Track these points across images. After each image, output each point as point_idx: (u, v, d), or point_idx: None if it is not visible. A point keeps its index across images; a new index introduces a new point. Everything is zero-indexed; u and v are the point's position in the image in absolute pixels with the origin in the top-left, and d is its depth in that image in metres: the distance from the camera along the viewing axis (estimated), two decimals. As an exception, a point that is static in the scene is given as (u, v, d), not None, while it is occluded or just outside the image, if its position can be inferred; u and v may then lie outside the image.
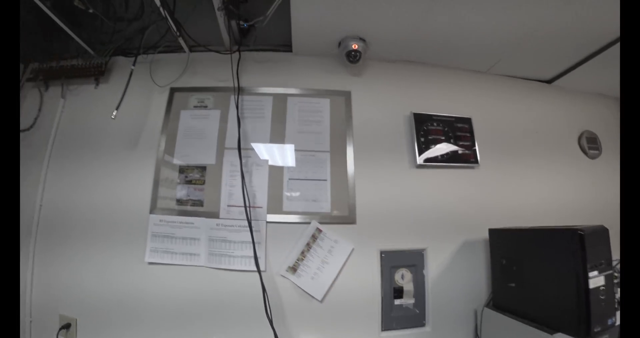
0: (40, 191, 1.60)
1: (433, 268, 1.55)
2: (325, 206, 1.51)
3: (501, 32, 1.49)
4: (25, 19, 1.56)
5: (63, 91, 1.76)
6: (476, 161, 1.69)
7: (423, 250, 1.56)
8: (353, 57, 1.57)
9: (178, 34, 1.53)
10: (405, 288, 1.51)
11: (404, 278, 1.52)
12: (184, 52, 1.70)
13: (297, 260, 1.46)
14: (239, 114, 1.56)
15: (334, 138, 1.59)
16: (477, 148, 1.70)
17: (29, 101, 1.82)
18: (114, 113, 1.51)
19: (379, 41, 1.58)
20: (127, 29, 1.62)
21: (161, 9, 1.37)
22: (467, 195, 1.65)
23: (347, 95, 1.66)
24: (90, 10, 1.49)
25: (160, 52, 1.70)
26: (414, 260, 1.55)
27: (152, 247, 1.47)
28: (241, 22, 1.51)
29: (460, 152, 1.68)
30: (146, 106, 1.67)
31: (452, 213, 1.62)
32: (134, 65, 1.60)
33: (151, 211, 1.51)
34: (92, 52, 1.72)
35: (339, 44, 1.59)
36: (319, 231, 1.49)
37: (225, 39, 1.59)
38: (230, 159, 1.54)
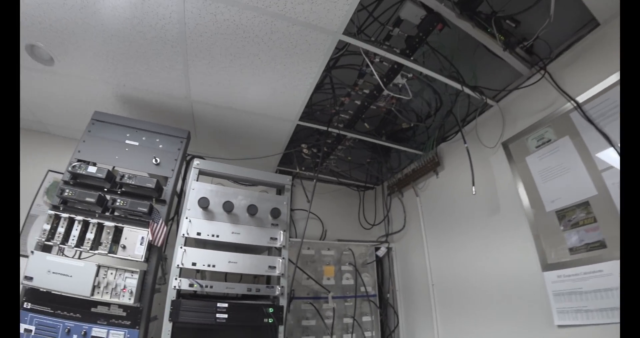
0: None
1: None
2: None
3: None
4: (365, 154, 2.33)
5: (415, 191, 2.20)
6: None
7: None
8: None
9: (483, 98, 1.62)
10: None
11: None
12: (492, 105, 1.71)
13: None
14: (596, 124, 1.23)
15: None
16: None
17: (395, 210, 2.41)
18: (473, 189, 1.57)
19: None
20: (436, 119, 1.94)
21: (458, 86, 1.56)
22: None
23: None
24: (412, 124, 1.95)
25: (475, 118, 1.76)
26: None
27: (558, 308, 1.26)
28: (524, 44, 1.43)
29: None
30: (488, 170, 1.68)
31: None
32: (465, 142, 1.68)
33: (544, 269, 1.34)
34: (421, 153, 2.13)
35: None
36: None
37: (521, 69, 1.51)
38: (617, 179, 1.16)
